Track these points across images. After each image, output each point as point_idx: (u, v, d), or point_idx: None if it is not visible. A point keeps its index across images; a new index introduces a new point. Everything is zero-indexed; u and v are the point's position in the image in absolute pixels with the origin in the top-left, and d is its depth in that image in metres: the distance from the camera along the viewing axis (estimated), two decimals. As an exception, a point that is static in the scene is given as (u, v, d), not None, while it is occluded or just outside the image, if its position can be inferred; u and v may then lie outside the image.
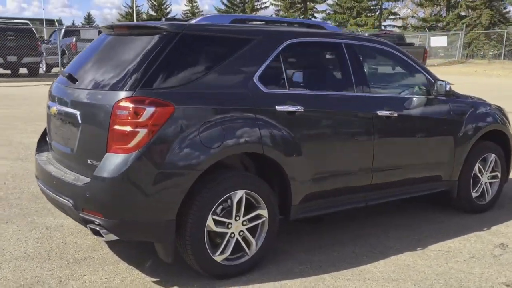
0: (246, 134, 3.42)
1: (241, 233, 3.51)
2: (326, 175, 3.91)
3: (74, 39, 19.36)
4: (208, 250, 3.36)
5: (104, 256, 3.83)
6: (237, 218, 3.46)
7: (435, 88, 4.57)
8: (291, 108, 3.65)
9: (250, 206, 3.56)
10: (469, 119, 4.85)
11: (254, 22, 4.00)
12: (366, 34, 10.10)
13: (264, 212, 3.57)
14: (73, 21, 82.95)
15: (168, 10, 61.08)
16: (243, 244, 3.52)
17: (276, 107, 3.58)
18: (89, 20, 74.13)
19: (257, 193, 3.51)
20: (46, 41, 21.41)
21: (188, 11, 61.43)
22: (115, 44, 3.70)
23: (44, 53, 20.03)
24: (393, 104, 4.32)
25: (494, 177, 5.21)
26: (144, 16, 60.75)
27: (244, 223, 3.51)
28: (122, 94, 3.14)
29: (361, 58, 4.25)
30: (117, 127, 3.10)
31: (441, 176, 4.75)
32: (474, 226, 4.73)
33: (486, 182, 5.12)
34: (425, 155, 4.56)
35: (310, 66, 4.08)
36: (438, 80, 4.59)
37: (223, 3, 55.97)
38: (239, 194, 3.43)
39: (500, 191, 5.32)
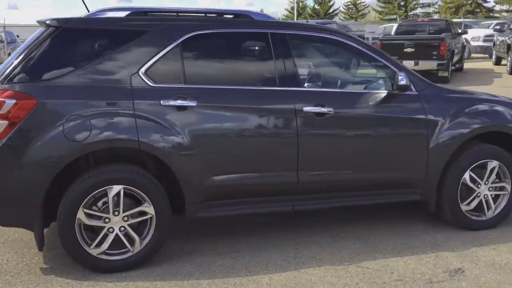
0: (118, 129, 3.38)
1: (122, 229, 3.47)
2: (232, 175, 3.66)
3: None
4: (80, 243, 3.40)
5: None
6: (116, 213, 3.43)
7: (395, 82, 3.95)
8: (180, 103, 3.48)
9: (137, 202, 3.50)
10: (452, 118, 4.10)
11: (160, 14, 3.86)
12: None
13: (150, 209, 3.48)
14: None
15: (331, 3, 60.89)
16: (124, 240, 3.48)
17: (161, 101, 3.46)
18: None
19: (139, 189, 3.44)
20: None
21: (350, 3, 60.64)
22: None
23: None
24: (331, 100, 3.85)
25: (500, 188, 4.32)
26: (308, 10, 61.48)
27: (126, 218, 3.46)
28: None
29: (295, 49, 3.87)
30: None
31: (409, 184, 4.10)
32: (448, 244, 4.01)
33: (486, 195, 4.27)
34: (378, 158, 3.98)
35: (217, 59, 3.81)
36: (398, 72, 3.95)
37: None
38: (116, 189, 3.40)
39: (511, 207, 4.39)
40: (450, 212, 4.22)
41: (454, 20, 24.27)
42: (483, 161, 4.20)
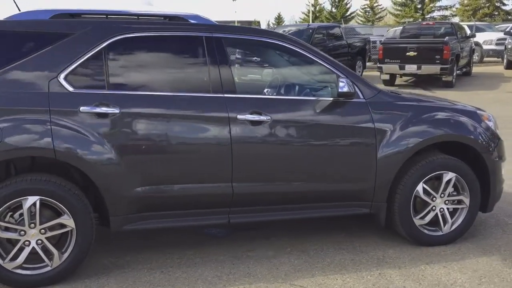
0: (32, 136, 3.22)
1: (40, 242, 3.31)
2: (161, 186, 3.48)
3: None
4: None
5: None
6: (32, 225, 3.27)
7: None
8: (100, 110, 3.32)
9: (58, 214, 3.34)
10: (402, 127, 3.85)
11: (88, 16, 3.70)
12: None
13: (69, 222, 3.32)
14: (268, 21, 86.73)
15: (348, 6, 60.37)
16: (42, 254, 3.32)
17: (81, 108, 3.30)
18: (279, 20, 77.17)
19: (56, 201, 3.28)
20: None
21: (367, 6, 60.07)
22: None
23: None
24: (269, 107, 3.64)
25: (458, 202, 4.06)
26: (325, 13, 61.10)
27: (43, 231, 3.30)
28: None
29: (232, 54, 3.67)
30: None
31: (356, 196, 3.87)
32: (396, 261, 3.77)
33: (442, 208, 4.01)
34: (321, 169, 3.77)
35: (145, 64, 3.62)
36: (341, 78, 3.72)
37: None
38: (31, 200, 3.24)
39: (471, 222, 4.13)
40: (402, 226, 3.97)
41: (466, 23, 23.73)
42: (437, 172, 3.95)
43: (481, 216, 4.59)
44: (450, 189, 4.00)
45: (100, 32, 3.46)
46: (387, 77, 15.16)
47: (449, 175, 3.96)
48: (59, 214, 3.33)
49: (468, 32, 19.41)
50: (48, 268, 3.35)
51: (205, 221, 3.65)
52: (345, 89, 3.64)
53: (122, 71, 3.52)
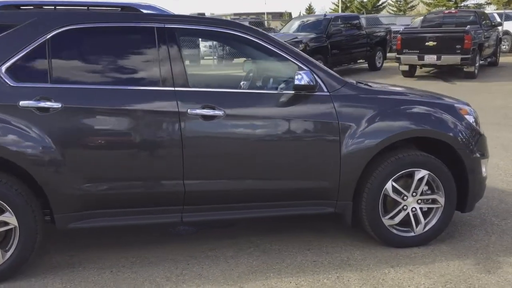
0: None
1: (-18, 241, 3.24)
2: (109, 183, 3.37)
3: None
4: None
5: None
6: (-26, 223, 3.21)
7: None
8: (41, 104, 3.21)
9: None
10: (369, 122, 3.63)
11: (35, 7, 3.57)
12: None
13: (12, 220, 3.24)
14: (299, 12, 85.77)
15: (377, -5, 59.12)
16: (-15, 253, 3.25)
17: (20, 102, 3.20)
18: (309, 10, 76.35)
19: (-2, 198, 3.20)
20: None
21: (398, -5, 58.70)
22: None
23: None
24: (223, 101, 3.47)
25: (432, 201, 3.81)
26: (356, 3, 60.06)
27: (-16, 230, 3.23)
28: None
29: (186, 46, 3.51)
30: None
31: (319, 195, 3.67)
32: (360, 264, 3.57)
33: (414, 208, 3.77)
34: (280, 166, 3.58)
35: (92, 56, 3.48)
36: (300, 70, 3.51)
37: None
38: (-28, 197, 3.17)
39: (446, 222, 3.87)
40: (370, 226, 3.76)
41: (495, 11, 22.84)
42: (408, 170, 3.70)
43: (466, 216, 4.34)
44: (423, 187, 3.75)
45: (45, 23, 3.35)
46: (406, 68, 14.71)
47: (421, 173, 3.71)
48: (1, 211, 3.25)
49: (498, 20, 18.68)
50: (-7, 268, 3.27)
51: (157, 219, 3.52)
52: (303, 82, 3.44)
53: (66, 64, 3.40)
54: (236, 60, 3.89)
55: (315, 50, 13.89)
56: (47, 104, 3.22)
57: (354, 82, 4.06)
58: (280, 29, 16.79)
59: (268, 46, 3.63)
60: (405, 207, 3.75)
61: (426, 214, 3.83)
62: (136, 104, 3.36)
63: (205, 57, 15.24)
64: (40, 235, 3.35)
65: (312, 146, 3.60)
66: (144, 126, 3.37)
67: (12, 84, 3.23)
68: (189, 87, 3.46)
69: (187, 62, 3.52)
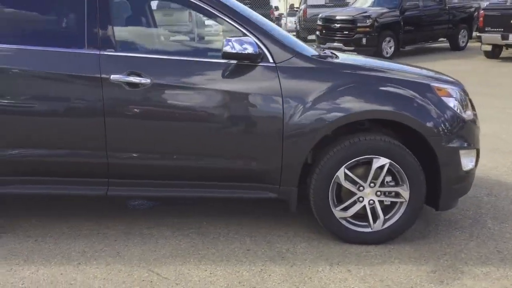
0: None
1: None
2: (29, 150, 3.26)
3: (304, 5, 19.49)
4: None
5: None
6: None
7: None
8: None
9: None
10: (321, 98, 3.18)
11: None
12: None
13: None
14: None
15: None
16: None
17: None
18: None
19: None
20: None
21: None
22: None
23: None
24: (151, 68, 3.19)
25: (396, 195, 3.30)
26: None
27: None
28: None
29: (116, 5, 3.26)
30: None
31: (259, 178, 3.30)
32: (295, 258, 3.19)
33: (372, 200, 3.29)
34: (212, 143, 3.25)
35: (14, 13, 3.29)
36: (241, 37, 3.13)
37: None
38: None
39: (412, 220, 3.34)
40: (319, 217, 3.34)
41: None
42: (364, 157, 3.21)
43: (458, 214, 3.78)
44: (382, 178, 3.24)
45: None
46: (488, 48, 13.33)
47: (380, 161, 3.21)
48: None
49: None
50: None
51: (82, 190, 3.35)
52: (235, 50, 3.06)
53: None
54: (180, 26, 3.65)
55: (384, 26, 13.04)
56: None
57: (327, 52, 3.61)
58: (352, 3, 15.92)
59: (210, 9, 3.27)
60: (360, 198, 3.28)
61: (387, 208, 3.32)
62: (57, 67, 3.18)
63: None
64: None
65: (250, 123, 3.22)
66: (64, 91, 3.20)
67: None
68: (117, 51, 3.22)
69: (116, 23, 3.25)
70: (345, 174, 3.23)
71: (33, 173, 3.29)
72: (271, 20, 19.28)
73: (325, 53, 3.69)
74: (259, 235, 3.49)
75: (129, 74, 3.15)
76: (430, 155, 3.25)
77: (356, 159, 3.21)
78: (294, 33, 20.68)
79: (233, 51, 3.06)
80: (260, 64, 3.20)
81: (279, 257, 3.18)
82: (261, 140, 3.21)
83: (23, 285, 2.87)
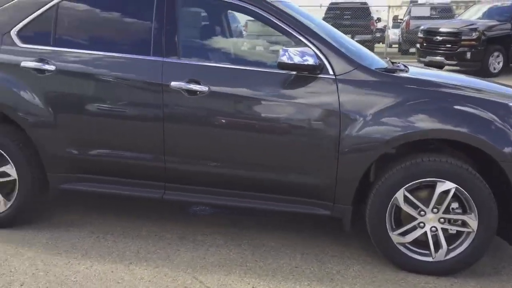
0: None
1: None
2: (96, 150, 3.40)
3: (407, 17, 18.76)
4: None
5: None
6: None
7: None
8: (39, 65, 3.36)
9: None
10: (381, 114, 3.01)
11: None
12: None
13: (12, 171, 3.48)
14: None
15: None
16: (-10, 197, 3.56)
17: (22, 64, 3.39)
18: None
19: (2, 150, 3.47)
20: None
21: None
22: None
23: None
24: (210, 76, 3.21)
25: (463, 224, 3.03)
26: None
27: (-9, 177, 3.53)
28: None
29: (184, 13, 3.33)
30: None
31: (313, 194, 3.19)
32: (340, 283, 3.03)
33: (434, 227, 3.05)
34: (267, 155, 3.18)
35: (89, 22, 3.42)
36: (300, 47, 3.04)
37: None
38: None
39: (480, 252, 3.05)
40: (374, 240, 3.15)
41: None
42: (426, 180, 2.99)
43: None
44: (448, 203, 2.99)
45: None
46: None
47: (445, 185, 2.96)
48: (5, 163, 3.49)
49: None
50: (-1, 210, 3.55)
51: (140, 192, 3.43)
52: (292, 61, 2.98)
53: (67, 28, 3.47)
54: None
55: (492, 40, 12.19)
56: (45, 66, 3.36)
57: (400, 66, 3.44)
58: (459, 15, 15.06)
59: (273, 19, 3.21)
60: (421, 224, 3.05)
61: (452, 238, 3.06)
62: (123, 73, 3.31)
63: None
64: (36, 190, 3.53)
65: (305, 136, 3.12)
66: (128, 96, 3.30)
67: (19, 46, 3.44)
68: (180, 58, 3.27)
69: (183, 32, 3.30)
70: (405, 196, 3.01)
71: (96, 172, 3.43)
72: (371, 31, 18.92)
73: (397, 66, 3.50)
74: (312, 253, 3.36)
75: (189, 82, 3.19)
76: (502, 181, 2.95)
77: (417, 181, 2.99)
78: (397, 46, 20.07)
79: (290, 61, 2.98)
80: (319, 75, 3.09)
81: (327, 279, 3.04)
82: (315, 154, 3.10)
83: (75, 279, 2.99)
